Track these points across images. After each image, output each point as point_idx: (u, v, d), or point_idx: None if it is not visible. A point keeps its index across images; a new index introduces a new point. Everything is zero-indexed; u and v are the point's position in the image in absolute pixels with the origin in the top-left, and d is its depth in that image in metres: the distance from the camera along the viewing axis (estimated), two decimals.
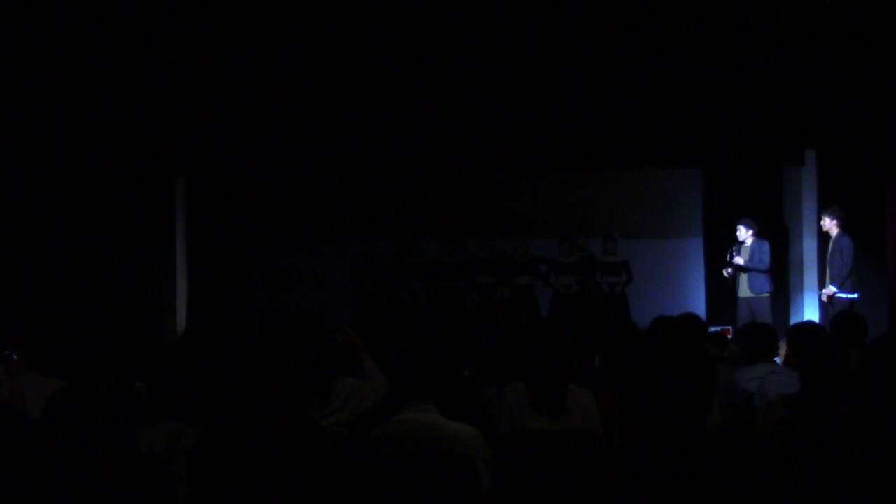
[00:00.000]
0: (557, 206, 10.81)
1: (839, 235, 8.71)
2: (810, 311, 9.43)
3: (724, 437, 3.64)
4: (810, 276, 9.59)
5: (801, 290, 9.69)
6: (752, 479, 1.93)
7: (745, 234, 9.33)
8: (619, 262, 10.04)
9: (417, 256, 10.30)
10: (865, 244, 9.20)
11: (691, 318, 5.39)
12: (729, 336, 7.46)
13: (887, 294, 9.24)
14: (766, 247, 9.31)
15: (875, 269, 9.28)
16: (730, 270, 9.37)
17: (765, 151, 9.43)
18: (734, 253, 9.34)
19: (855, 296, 8.56)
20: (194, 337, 6.88)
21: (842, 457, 2.19)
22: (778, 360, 5.06)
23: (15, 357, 4.97)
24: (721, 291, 10.29)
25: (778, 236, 9.86)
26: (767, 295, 9.33)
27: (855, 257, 8.64)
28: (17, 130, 8.75)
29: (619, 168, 10.13)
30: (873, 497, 1.92)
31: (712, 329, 7.59)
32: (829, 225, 8.79)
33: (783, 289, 9.92)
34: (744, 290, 9.35)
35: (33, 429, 4.07)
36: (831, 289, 8.56)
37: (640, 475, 1.94)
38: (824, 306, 8.88)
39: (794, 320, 9.21)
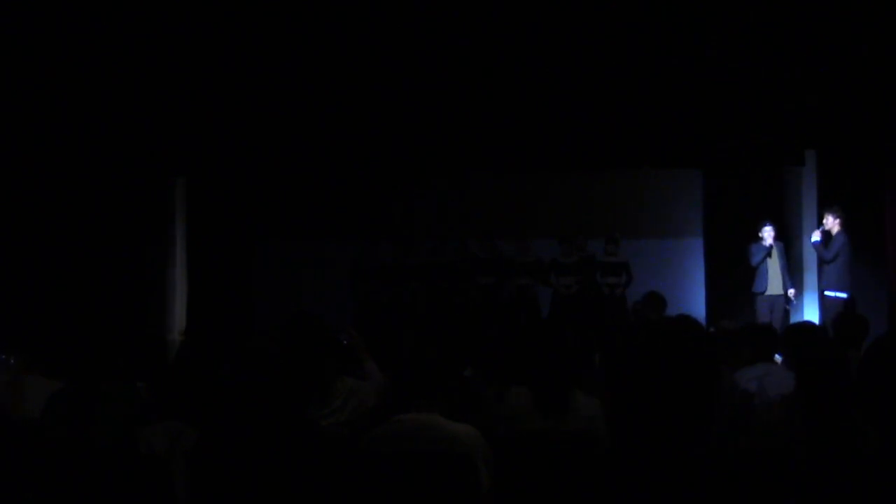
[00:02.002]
0: (557, 207, 10.81)
1: (839, 234, 8.81)
2: (810, 312, 9.43)
3: (724, 438, 3.64)
4: (810, 277, 9.59)
5: (801, 290, 9.69)
6: (752, 479, 1.93)
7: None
8: (620, 262, 10.04)
9: (417, 257, 10.31)
10: (865, 244, 9.21)
11: (687, 319, 5.37)
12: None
13: (886, 294, 9.24)
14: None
15: (874, 270, 9.28)
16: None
17: (765, 151, 9.43)
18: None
19: (844, 295, 8.66)
20: (194, 337, 6.89)
21: (840, 457, 2.19)
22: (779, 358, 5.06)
23: (3, 357, 4.97)
24: (721, 292, 10.29)
25: (777, 236, 9.85)
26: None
27: (849, 256, 8.71)
28: (17, 130, 8.75)
29: (619, 168, 10.12)
30: (873, 498, 1.92)
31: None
32: (832, 224, 8.84)
33: None
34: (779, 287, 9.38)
35: (34, 429, 4.07)
36: (840, 294, 8.65)
37: (639, 476, 1.94)
38: (823, 307, 8.92)
39: (794, 320, 9.22)
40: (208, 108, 9.28)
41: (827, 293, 8.83)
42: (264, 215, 11.06)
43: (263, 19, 8.73)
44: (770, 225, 9.41)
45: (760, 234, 9.41)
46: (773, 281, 9.39)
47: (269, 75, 9.09)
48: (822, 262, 8.96)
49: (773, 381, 4.45)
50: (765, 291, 9.38)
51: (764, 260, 9.39)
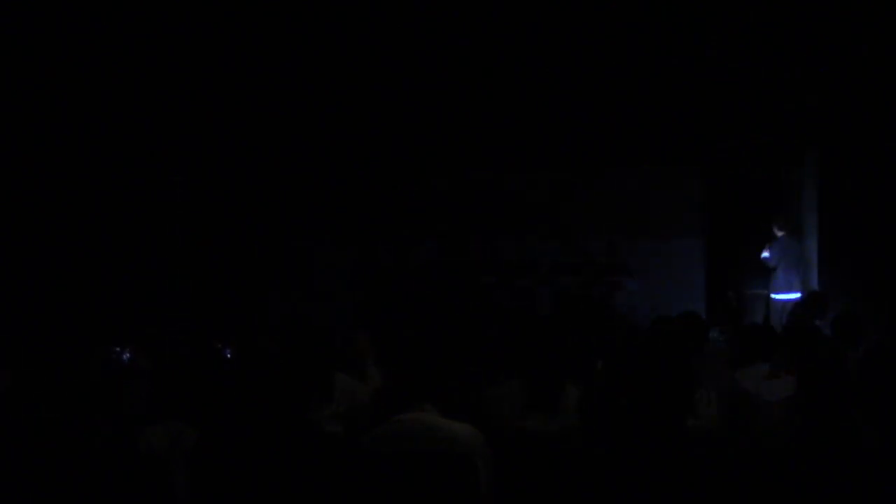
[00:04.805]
0: (557, 207, 10.80)
1: (781, 238, 9.42)
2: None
3: (723, 437, 3.64)
4: (810, 276, 9.60)
5: (799, 290, 9.70)
6: (751, 478, 1.93)
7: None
8: (620, 262, 10.05)
9: (417, 257, 10.31)
10: (865, 245, 9.22)
11: (691, 317, 5.38)
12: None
13: (886, 295, 9.24)
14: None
15: (875, 271, 9.27)
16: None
17: (765, 151, 9.45)
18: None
19: (797, 295, 9.14)
20: (193, 338, 6.88)
21: (840, 457, 2.20)
22: None
23: (117, 349, 4.97)
24: (721, 292, 10.30)
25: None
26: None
27: (794, 259, 9.38)
28: (16, 130, 8.75)
29: (619, 168, 10.13)
30: (873, 497, 1.92)
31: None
32: (779, 233, 9.41)
33: None
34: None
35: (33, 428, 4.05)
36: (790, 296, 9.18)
37: (640, 476, 1.94)
38: (774, 310, 9.35)
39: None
40: (208, 108, 9.28)
41: (774, 296, 9.32)
42: (265, 215, 11.05)
43: (263, 19, 8.73)
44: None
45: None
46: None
47: (269, 76, 9.09)
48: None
49: (772, 382, 4.44)
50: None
51: None
